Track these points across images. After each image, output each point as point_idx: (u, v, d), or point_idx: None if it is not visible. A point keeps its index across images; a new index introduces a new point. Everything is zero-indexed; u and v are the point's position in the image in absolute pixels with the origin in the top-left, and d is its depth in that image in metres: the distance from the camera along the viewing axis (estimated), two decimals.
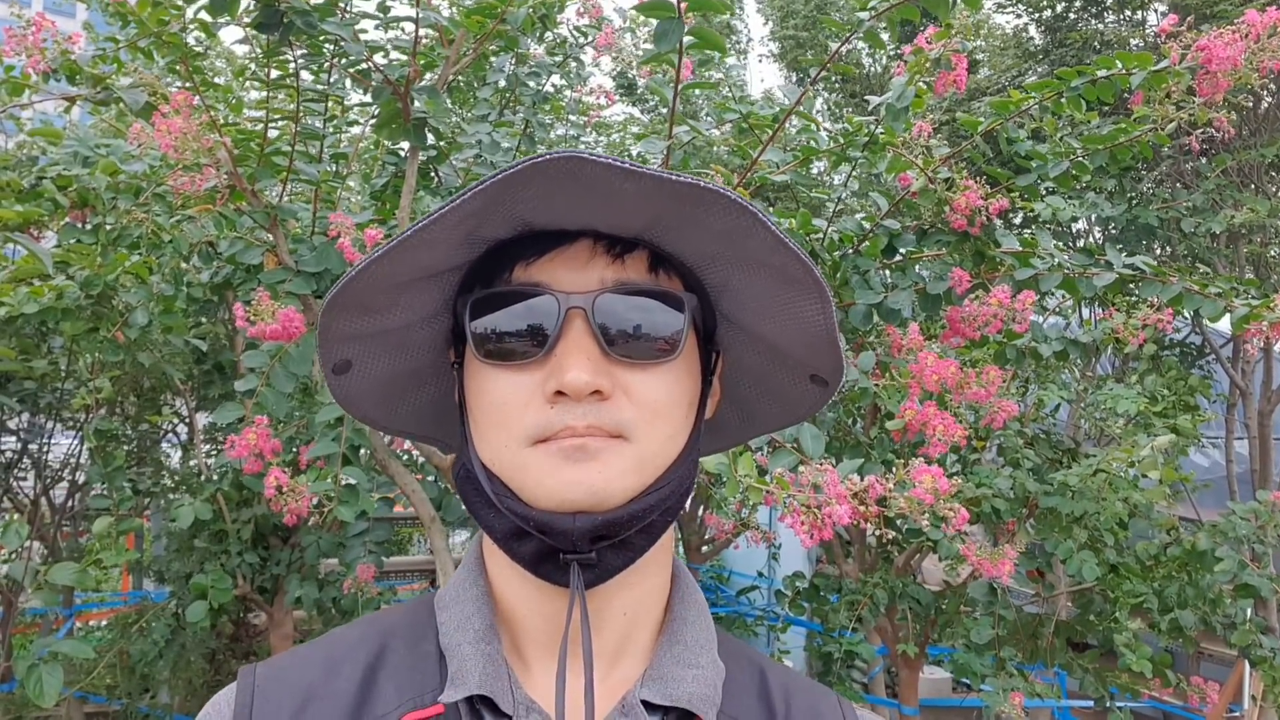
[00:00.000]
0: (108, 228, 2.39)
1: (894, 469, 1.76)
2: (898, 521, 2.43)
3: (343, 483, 2.30)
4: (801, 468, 1.78)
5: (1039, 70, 5.18)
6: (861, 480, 1.70)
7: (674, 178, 0.59)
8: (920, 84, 2.28)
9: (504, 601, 0.72)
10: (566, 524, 0.63)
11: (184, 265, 2.52)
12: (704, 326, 0.74)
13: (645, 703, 0.68)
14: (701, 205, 0.62)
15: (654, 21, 1.89)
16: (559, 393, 0.63)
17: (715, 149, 3.06)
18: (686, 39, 1.91)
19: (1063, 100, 2.43)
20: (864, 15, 2.08)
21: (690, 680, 0.70)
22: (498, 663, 0.68)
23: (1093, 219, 4.78)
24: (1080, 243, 5.14)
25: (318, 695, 0.69)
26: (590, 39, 2.79)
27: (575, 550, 0.64)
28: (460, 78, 2.89)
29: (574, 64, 2.82)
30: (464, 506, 0.75)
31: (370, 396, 0.78)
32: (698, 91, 5.99)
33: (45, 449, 3.97)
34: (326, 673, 0.71)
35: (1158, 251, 4.85)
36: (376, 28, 2.60)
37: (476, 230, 0.66)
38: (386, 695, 0.68)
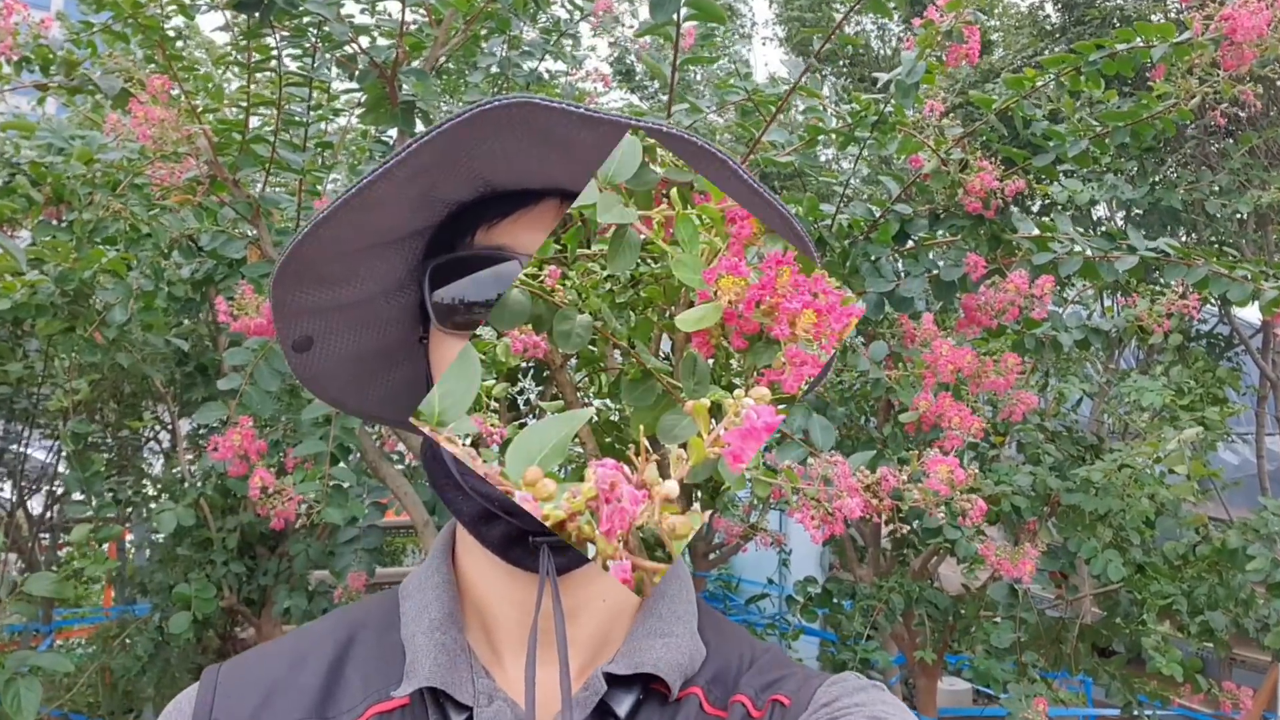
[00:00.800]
0: (84, 219, 2.30)
1: (908, 463, 1.65)
2: (914, 522, 2.31)
3: (330, 483, 2.22)
4: (811, 460, 1.68)
5: (1056, 50, 5.07)
6: (873, 473, 1.60)
7: (635, 123, 0.55)
8: (931, 58, 2.18)
9: (475, 589, 0.69)
10: None
11: (164, 261, 2.43)
12: None
13: (612, 676, 0.64)
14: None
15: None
16: None
17: (720, 137, 2.96)
18: (684, 9, 1.83)
19: (1081, 77, 2.33)
20: None
21: (660, 648, 0.65)
22: (453, 652, 0.65)
23: (1114, 204, 4.67)
24: (1101, 229, 5.01)
25: (281, 689, 0.66)
26: (586, 12, 2.70)
27: (544, 532, 0.58)
28: (451, 63, 2.82)
29: (568, 42, 2.74)
30: (431, 489, 0.71)
31: (338, 377, 0.76)
32: (699, 77, 5.90)
33: (23, 457, 3.89)
34: (292, 666, 0.68)
35: (1183, 237, 4.72)
36: (363, 12, 2.52)
37: (433, 190, 0.63)
38: (352, 688, 0.66)
